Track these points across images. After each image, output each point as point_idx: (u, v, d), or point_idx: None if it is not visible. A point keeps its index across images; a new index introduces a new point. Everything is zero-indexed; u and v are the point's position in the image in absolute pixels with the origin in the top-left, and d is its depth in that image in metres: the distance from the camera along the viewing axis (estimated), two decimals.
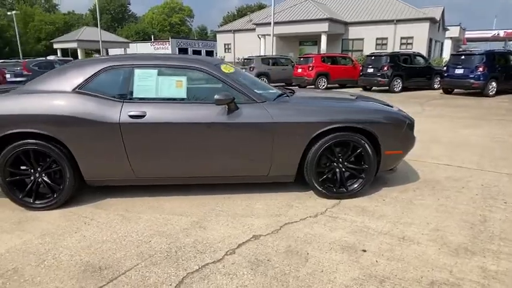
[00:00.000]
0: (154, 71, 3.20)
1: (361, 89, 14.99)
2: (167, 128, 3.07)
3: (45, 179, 3.15)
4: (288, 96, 3.56)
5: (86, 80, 3.14)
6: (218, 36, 35.98)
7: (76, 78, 3.15)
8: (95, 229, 2.79)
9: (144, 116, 3.05)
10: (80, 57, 35.09)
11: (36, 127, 2.99)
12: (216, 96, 2.96)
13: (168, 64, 3.23)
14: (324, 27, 23.79)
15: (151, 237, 2.66)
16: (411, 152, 3.57)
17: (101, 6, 70.64)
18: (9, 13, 38.18)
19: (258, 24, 27.07)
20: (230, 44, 33.95)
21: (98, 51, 43.79)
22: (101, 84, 3.16)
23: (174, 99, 3.15)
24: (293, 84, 16.13)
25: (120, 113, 3.05)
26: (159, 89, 3.17)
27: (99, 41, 34.42)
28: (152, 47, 51.11)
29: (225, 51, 34.30)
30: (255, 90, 3.27)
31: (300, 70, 15.74)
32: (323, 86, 15.24)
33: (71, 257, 2.40)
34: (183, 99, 3.15)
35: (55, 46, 39.92)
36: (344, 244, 2.52)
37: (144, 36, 62.89)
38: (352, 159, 3.28)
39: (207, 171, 3.25)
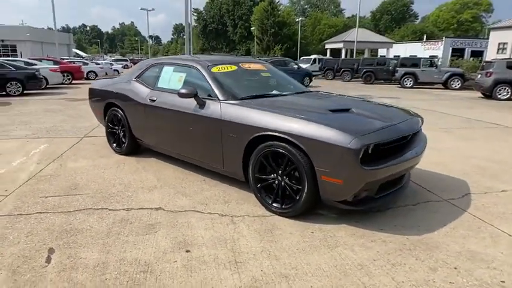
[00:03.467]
0: (171, 68, 4.06)
1: None
2: (164, 111, 3.90)
3: (121, 135, 4.73)
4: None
5: (141, 72, 4.42)
6: (492, 33, 29.94)
7: (138, 70, 4.49)
8: (124, 166, 4.10)
9: (155, 100, 4.01)
10: (342, 57, 38.38)
11: (112, 99, 4.60)
12: (180, 90, 3.49)
13: (178, 63, 4.01)
14: None
15: (138, 173, 3.67)
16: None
17: (382, 7, 72.76)
18: (297, 20, 46.30)
19: None
20: (507, 43, 27.58)
21: (361, 52, 46.16)
22: (147, 75, 4.35)
23: (174, 90, 3.90)
24: None
25: (147, 96, 4.14)
26: (169, 82, 4.01)
27: (363, 42, 36.37)
28: (422, 47, 48.47)
29: (497, 52, 28.24)
30: (221, 90, 3.47)
31: None
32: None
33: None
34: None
35: (326, 46, 45.23)
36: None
37: (420, 36, 60.15)
38: (291, 175, 2.97)
39: (186, 151, 3.86)
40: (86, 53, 69.11)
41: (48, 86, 14.13)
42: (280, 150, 2.88)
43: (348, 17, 69.36)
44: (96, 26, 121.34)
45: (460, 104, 11.51)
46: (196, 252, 2.48)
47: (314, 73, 28.06)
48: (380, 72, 21.35)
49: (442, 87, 18.23)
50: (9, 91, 11.69)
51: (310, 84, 18.54)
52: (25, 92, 12.01)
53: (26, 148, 5.15)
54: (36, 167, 4.28)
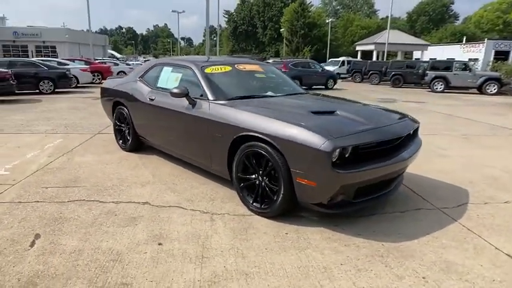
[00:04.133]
0: (170, 68, 4.19)
1: None
2: (161, 110, 4.03)
3: (126, 132, 4.92)
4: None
5: (145, 72, 4.58)
6: None
7: (143, 70, 4.66)
8: (125, 162, 4.29)
9: (154, 99, 4.15)
10: (373, 59, 37.52)
11: (116, 96, 4.80)
12: (172, 90, 3.60)
13: (176, 63, 4.13)
14: None
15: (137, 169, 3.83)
16: None
17: (419, 8, 70.37)
18: (327, 21, 45.76)
19: None
20: None
21: (394, 54, 44.90)
22: (150, 75, 4.51)
23: (170, 89, 4.01)
24: None
25: (147, 95, 4.29)
26: (167, 81, 4.14)
27: (395, 44, 35.44)
28: (461, 49, 46.57)
29: None
30: (211, 90, 3.54)
31: None
32: None
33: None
34: None
35: (357, 48, 44.40)
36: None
37: (460, 38, 57.67)
38: (270, 176, 2.98)
39: (179, 150, 3.96)
40: (121, 54, 71.77)
41: (78, 85, 14.85)
42: (260, 151, 2.91)
43: (382, 18, 67.61)
44: (132, 27, 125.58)
45: (489, 110, 10.96)
46: (168, 246, 2.56)
47: (342, 76, 27.78)
48: (410, 75, 20.70)
49: (477, 92, 17.39)
50: (42, 89, 12.40)
51: (334, 87, 18.31)
52: (56, 90, 12.69)
53: (42, 142, 5.48)
54: (46, 160, 4.54)
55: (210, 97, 3.50)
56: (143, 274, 2.22)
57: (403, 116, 3.45)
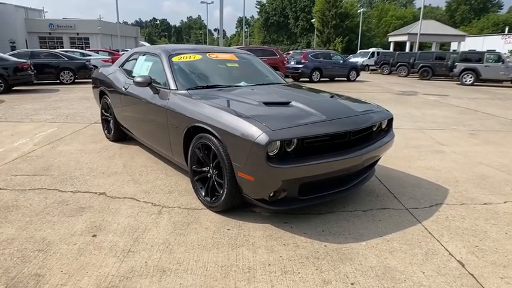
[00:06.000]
0: (144, 57, 4.14)
1: None
2: (131, 98, 4.02)
3: (111, 122, 4.95)
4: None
5: (125, 61, 4.58)
6: None
7: (123, 59, 4.66)
8: (104, 152, 4.34)
9: (127, 89, 4.13)
10: (407, 50, 35.98)
11: (102, 85, 4.85)
12: (135, 78, 3.54)
13: (149, 51, 4.08)
14: None
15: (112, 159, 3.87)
16: None
17: None
18: (358, 11, 44.26)
19: None
20: None
21: (429, 46, 42.89)
22: (128, 64, 4.49)
23: None
24: None
25: (123, 84, 4.28)
26: (140, 70, 4.10)
27: (429, 34, 33.83)
28: (503, 40, 43.86)
29: None
30: (173, 80, 3.45)
31: None
32: None
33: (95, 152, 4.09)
34: None
35: (390, 39, 42.80)
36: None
37: (503, 28, 54.12)
38: (218, 169, 2.87)
39: (147, 139, 3.94)
40: (155, 45, 73.37)
41: None
42: (208, 143, 2.80)
43: (419, 8, 64.58)
44: (166, 19, 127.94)
45: None
46: (101, 238, 2.52)
47: (371, 68, 26.79)
48: (439, 67, 19.60)
49: None
50: (62, 79, 12.86)
51: (356, 79, 17.72)
52: (76, 80, 13.12)
53: (36, 131, 5.65)
54: (31, 148, 4.67)
55: (172, 86, 3.42)
56: (61, 266, 2.19)
57: (370, 109, 3.21)
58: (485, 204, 3.22)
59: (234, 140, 2.53)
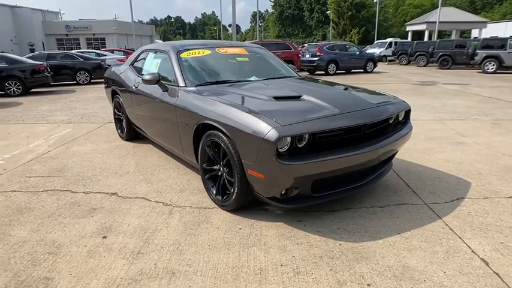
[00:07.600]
0: (153, 54, 4.10)
1: None
2: (141, 96, 3.99)
3: (123, 121, 4.95)
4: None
5: (134, 59, 4.55)
6: None
7: (133, 57, 4.63)
8: (117, 151, 4.35)
9: (137, 87, 4.11)
10: (425, 39, 34.99)
11: (113, 85, 4.85)
12: (144, 76, 3.50)
13: (158, 48, 4.02)
14: None
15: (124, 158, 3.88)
16: None
17: None
18: (374, 1, 43.22)
19: None
20: None
21: (448, 34, 41.59)
22: (138, 62, 4.46)
23: None
24: None
25: (133, 83, 4.26)
26: (150, 67, 4.06)
27: (448, 22, 32.83)
28: None
29: None
30: (182, 76, 3.39)
31: None
32: None
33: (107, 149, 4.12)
34: None
35: (407, 29, 41.70)
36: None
37: None
38: (229, 167, 2.79)
39: (158, 137, 3.91)
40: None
41: None
42: (217, 141, 2.73)
43: None
44: (180, 17, 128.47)
45: None
46: (111, 239, 2.50)
47: (389, 58, 26.15)
48: (459, 55, 18.95)
49: None
50: (79, 80, 13.06)
51: (373, 70, 17.33)
52: (92, 80, 13.29)
53: (51, 132, 5.72)
54: (45, 149, 4.72)
55: (180, 83, 3.36)
56: (70, 269, 2.17)
57: (386, 100, 3.06)
58: (510, 197, 3.04)
59: (243, 136, 2.45)
